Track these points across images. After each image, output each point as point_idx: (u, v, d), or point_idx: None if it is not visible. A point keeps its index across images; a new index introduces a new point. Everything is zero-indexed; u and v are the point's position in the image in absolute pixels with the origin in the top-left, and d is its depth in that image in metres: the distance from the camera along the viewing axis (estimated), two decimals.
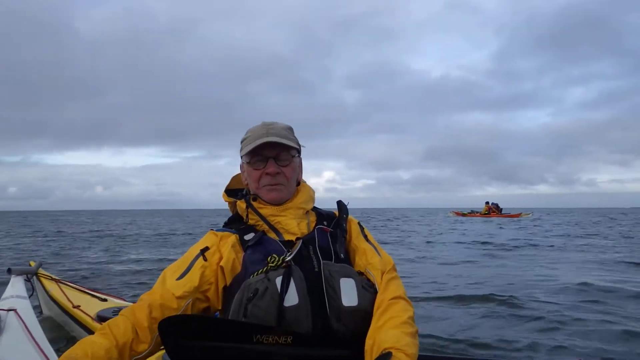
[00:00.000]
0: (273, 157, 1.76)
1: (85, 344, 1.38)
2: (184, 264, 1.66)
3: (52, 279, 4.04)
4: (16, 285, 3.34)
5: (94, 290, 3.88)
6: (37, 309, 4.30)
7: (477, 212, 40.80)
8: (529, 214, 39.30)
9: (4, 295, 3.06)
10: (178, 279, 1.60)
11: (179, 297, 1.55)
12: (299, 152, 1.87)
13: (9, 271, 3.73)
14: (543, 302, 5.23)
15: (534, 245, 13.31)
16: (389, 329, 1.47)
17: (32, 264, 4.36)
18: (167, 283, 1.59)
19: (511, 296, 5.38)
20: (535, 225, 23.81)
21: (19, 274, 3.68)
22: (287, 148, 1.78)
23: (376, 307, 1.57)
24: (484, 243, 13.93)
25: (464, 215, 41.39)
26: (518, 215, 37.84)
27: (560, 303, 5.17)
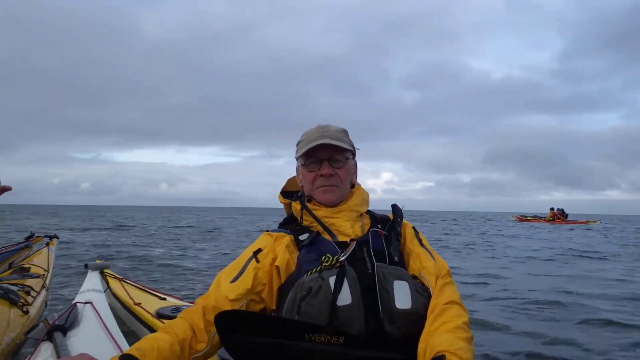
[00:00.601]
0: (327, 158, 1.79)
1: (150, 339, 1.45)
2: (237, 267, 1.70)
3: (116, 277, 4.25)
4: (92, 280, 3.55)
5: (154, 289, 4.05)
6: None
7: (541, 218, 39.36)
8: (596, 222, 37.51)
9: (81, 289, 3.27)
10: (232, 282, 1.64)
11: (232, 300, 1.59)
12: (353, 154, 1.89)
13: (86, 267, 3.97)
14: None
15: None
16: (442, 332, 1.46)
17: (98, 262, 4.62)
18: (222, 286, 1.64)
19: None
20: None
21: (95, 269, 3.91)
22: (341, 150, 1.80)
23: (430, 311, 1.56)
24: None
25: (527, 220, 40.03)
26: (585, 222, 36.22)
27: None
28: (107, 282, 4.18)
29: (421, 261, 1.74)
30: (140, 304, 3.37)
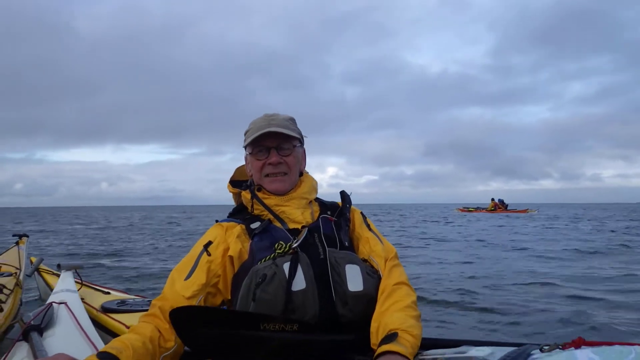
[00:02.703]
0: (275, 147, 1.80)
1: (123, 338, 1.46)
2: (189, 262, 1.70)
3: (54, 274, 4.14)
4: (66, 280, 3.46)
5: (96, 284, 3.97)
6: (38, 301, 4.40)
7: (483, 209, 40.72)
8: (534, 210, 39.19)
9: (55, 289, 3.19)
10: (186, 279, 1.64)
11: (189, 298, 1.60)
12: (301, 142, 1.90)
13: (59, 267, 3.88)
14: None
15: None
16: (393, 312, 1.52)
17: (33, 259, 4.49)
18: (176, 285, 1.64)
19: None
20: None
21: (68, 269, 3.80)
22: (289, 138, 1.81)
23: (380, 292, 1.63)
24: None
25: (470, 211, 41.31)
26: (525, 211, 37.74)
27: None
28: (43, 278, 4.09)
29: (370, 245, 1.79)
30: (84, 299, 3.29)
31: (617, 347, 1.25)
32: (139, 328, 1.53)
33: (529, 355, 1.32)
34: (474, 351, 1.43)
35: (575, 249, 9.95)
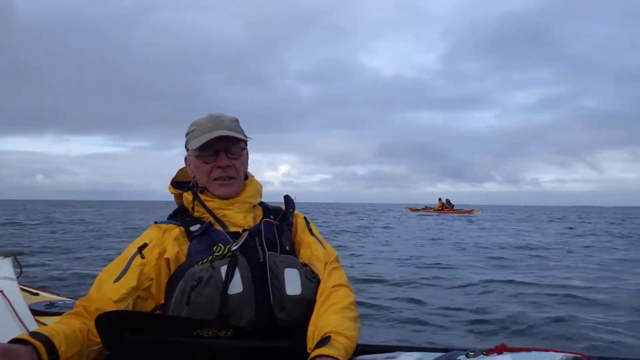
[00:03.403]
0: (223, 150, 1.77)
1: (53, 325, 1.42)
2: (120, 264, 1.65)
3: None
4: (4, 268, 3.30)
5: (24, 284, 3.82)
6: None
7: (431, 208, 41.58)
8: (479, 211, 40.36)
9: None
10: (115, 281, 1.59)
11: (117, 301, 1.54)
12: (246, 144, 1.88)
13: None
14: None
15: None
16: (330, 314, 1.53)
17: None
18: (104, 287, 1.58)
19: None
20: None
21: (7, 256, 3.63)
22: (237, 141, 1.80)
23: (319, 295, 1.63)
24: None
25: (418, 210, 42.10)
26: (470, 212, 38.78)
27: None
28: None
29: (311, 249, 1.80)
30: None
31: (534, 353, 1.32)
32: (65, 320, 1.49)
33: None
34: (404, 356, 1.47)
35: (508, 250, 10.31)
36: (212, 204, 1.79)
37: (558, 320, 4.04)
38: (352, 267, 7.33)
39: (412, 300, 4.93)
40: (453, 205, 41.09)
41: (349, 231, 15.96)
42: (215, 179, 1.78)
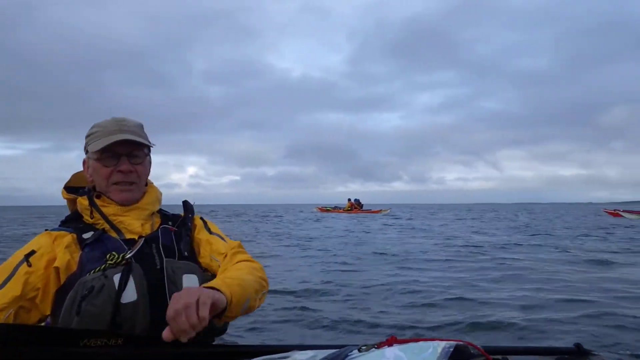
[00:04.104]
0: (126, 154, 1.73)
1: None
2: (3, 272, 1.55)
3: None
4: None
5: None
6: None
7: (340, 208, 42.42)
8: (387, 210, 41.76)
9: None
10: None
11: None
12: (149, 150, 1.86)
13: None
14: None
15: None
16: (230, 271, 1.61)
17: None
18: None
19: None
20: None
21: None
22: (141, 146, 1.76)
23: (220, 271, 1.67)
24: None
25: (328, 210, 42.82)
26: (379, 211, 40.01)
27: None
28: None
29: (211, 246, 1.82)
30: None
31: (420, 343, 1.42)
32: None
33: (347, 355, 1.44)
34: (298, 355, 1.51)
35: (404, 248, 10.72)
36: (109, 209, 1.74)
37: (451, 314, 4.25)
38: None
39: (314, 301, 5.01)
40: (362, 205, 42.16)
41: (259, 234, 15.84)
42: (115, 184, 1.74)
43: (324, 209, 44.46)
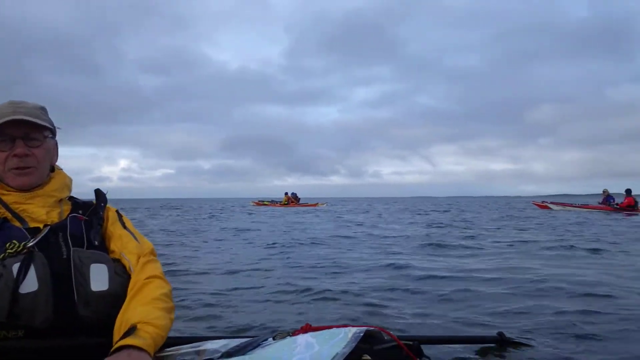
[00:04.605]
0: (21, 137, 1.63)
1: None
2: None
3: None
4: None
5: None
6: None
7: (277, 202, 42.35)
8: (324, 204, 42.08)
9: None
10: None
11: None
12: (53, 133, 1.77)
13: None
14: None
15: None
16: (138, 306, 1.50)
17: None
18: None
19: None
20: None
21: None
22: (39, 128, 1.67)
23: (130, 288, 1.59)
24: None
25: (264, 204, 42.64)
26: (315, 205, 40.25)
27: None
28: None
29: (122, 243, 1.75)
30: None
31: (333, 329, 1.45)
32: None
33: (259, 344, 1.44)
34: (209, 344, 1.50)
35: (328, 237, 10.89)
36: (10, 197, 1.65)
37: (371, 302, 4.31)
38: (172, 262, 7.15)
39: (227, 289, 4.98)
40: (299, 199, 42.28)
41: (187, 228, 15.48)
42: (12, 169, 1.64)
43: (260, 203, 44.24)
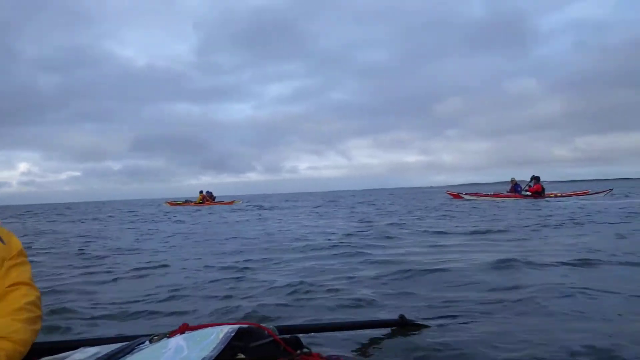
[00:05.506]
0: None
1: None
2: None
3: None
4: None
5: None
6: None
7: (192, 202, 41.33)
8: (239, 201, 41.62)
9: None
10: None
11: None
12: None
13: None
14: None
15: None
16: None
17: None
18: None
19: None
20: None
21: None
22: None
23: None
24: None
25: (178, 204, 41.47)
26: (231, 202, 39.68)
27: None
28: None
29: None
30: None
31: (207, 329, 1.46)
32: None
33: (134, 348, 1.43)
34: (78, 354, 1.47)
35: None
36: None
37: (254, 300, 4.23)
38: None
39: (125, 289, 4.84)
40: (215, 197, 41.51)
41: (92, 232, 14.69)
42: None
43: (174, 203, 42.91)
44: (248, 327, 1.49)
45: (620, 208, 15.43)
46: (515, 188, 26.74)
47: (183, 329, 1.52)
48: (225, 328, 1.42)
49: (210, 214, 23.68)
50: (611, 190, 28.58)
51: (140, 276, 5.79)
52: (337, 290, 4.40)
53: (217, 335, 1.37)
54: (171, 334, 1.51)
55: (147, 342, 1.49)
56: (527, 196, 25.42)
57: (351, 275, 5.21)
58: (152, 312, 3.85)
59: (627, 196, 25.09)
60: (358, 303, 3.88)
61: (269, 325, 1.61)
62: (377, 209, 21.39)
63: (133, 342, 1.49)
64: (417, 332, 2.93)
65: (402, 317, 2.94)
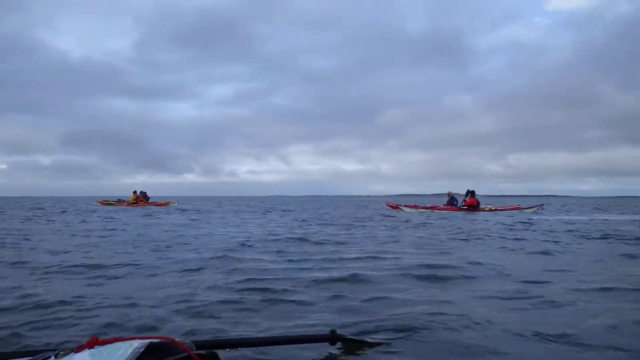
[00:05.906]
0: None
1: None
2: None
3: None
4: None
5: None
6: None
7: (124, 201, 40.12)
8: (175, 203, 40.78)
9: None
10: None
11: None
12: None
13: None
14: None
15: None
16: None
17: None
18: None
19: None
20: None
21: None
22: None
23: None
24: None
25: (110, 204, 40.15)
26: (166, 204, 38.83)
27: None
28: None
29: None
30: None
31: (117, 344, 1.42)
32: None
33: None
34: None
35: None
36: None
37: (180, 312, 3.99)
38: None
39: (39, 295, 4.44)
40: (149, 198, 40.44)
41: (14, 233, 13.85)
42: None
43: (106, 202, 41.48)
44: (160, 341, 1.45)
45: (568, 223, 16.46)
46: (452, 202, 27.57)
47: (92, 343, 1.48)
48: (135, 343, 1.39)
49: (148, 214, 23.09)
50: (542, 205, 30.00)
51: (49, 280, 5.41)
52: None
53: (125, 351, 1.34)
54: (78, 349, 1.46)
55: (53, 357, 1.44)
56: (463, 209, 26.28)
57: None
58: (63, 321, 3.59)
59: (567, 213, 26.76)
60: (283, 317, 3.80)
61: (185, 340, 1.58)
62: (301, 220, 20.11)
63: (38, 357, 1.44)
64: (348, 348, 2.90)
65: (333, 332, 2.88)
